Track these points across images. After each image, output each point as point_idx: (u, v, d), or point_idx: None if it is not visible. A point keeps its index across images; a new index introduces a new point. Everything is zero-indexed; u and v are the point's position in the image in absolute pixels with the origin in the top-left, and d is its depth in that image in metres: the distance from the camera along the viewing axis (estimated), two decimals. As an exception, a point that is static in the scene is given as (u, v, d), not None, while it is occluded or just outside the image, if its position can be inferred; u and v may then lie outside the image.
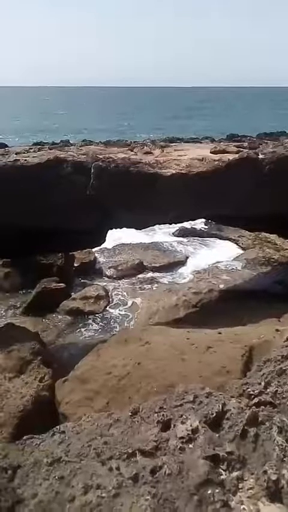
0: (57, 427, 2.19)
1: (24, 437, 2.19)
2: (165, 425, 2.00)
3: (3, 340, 6.85)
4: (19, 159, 8.06)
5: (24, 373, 6.37)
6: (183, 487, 1.75)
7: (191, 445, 1.89)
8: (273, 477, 1.75)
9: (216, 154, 8.69)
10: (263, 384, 2.26)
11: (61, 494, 1.75)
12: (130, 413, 2.16)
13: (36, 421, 5.43)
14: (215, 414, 2.02)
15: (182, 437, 1.90)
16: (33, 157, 8.29)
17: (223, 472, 1.79)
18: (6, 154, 8.58)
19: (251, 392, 2.18)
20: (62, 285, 10.76)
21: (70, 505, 1.71)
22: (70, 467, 1.88)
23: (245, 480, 1.79)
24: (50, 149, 9.27)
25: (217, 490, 1.73)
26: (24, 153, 8.81)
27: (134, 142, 10.61)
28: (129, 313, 10.36)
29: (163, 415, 2.05)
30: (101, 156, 8.16)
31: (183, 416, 2.01)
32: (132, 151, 9.10)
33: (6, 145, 10.13)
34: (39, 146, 10.00)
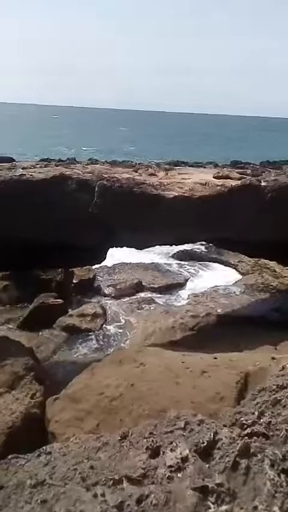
0: (44, 447, 2.13)
1: (9, 457, 2.13)
2: (154, 452, 1.94)
3: (-3, 354, 6.77)
4: (25, 174, 8.16)
5: (16, 389, 6.26)
6: (169, 519, 1.69)
7: (179, 475, 1.83)
8: (263, 513, 1.69)
9: (219, 179, 8.79)
10: (256, 413, 2.20)
11: (42, 520, 1.69)
12: (119, 438, 2.10)
13: (24, 438, 5.30)
14: (206, 443, 1.96)
15: (170, 466, 1.84)
16: (39, 172, 8.39)
17: (212, 505, 1.73)
18: (13, 169, 8.69)
19: (244, 422, 2.13)
20: (60, 300, 10.70)
21: (51, 532, 1.64)
22: (54, 491, 1.82)
23: (234, 515, 1.72)
24: (56, 166, 9.39)
25: (204, 524, 1.67)
26: (30, 168, 8.93)
27: (139, 163, 10.76)
28: (125, 333, 10.26)
29: (153, 441, 1.99)
30: (105, 175, 8.26)
31: (173, 444, 1.95)
32: (136, 172, 9.22)
33: (13, 160, 10.27)
34: (46, 162, 10.14)
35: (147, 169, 9.46)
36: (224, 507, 1.73)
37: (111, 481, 1.81)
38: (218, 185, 8.36)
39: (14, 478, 1.97)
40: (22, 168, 8.73)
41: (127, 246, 9.56)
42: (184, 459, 1.87)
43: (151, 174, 9.03)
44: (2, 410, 5.76)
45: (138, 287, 12.63)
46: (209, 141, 70.09)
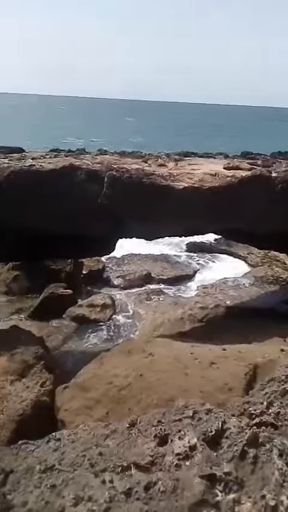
0: (53, 434, 2.16)
1: (20, 442, 2.16)
2: (163, 440, 1.95)
3: (8, 343, 6.85)
4: (35, 164, 8.15)
5: (26, 377, 6.34)
6: (176, 506, 1.70)
7: (187, 463, 1.84)
8: (272, 503, 1.69)
9: (229, 170, 8.69)
10: (265, 403, 2.20)
11: (51, 504, 1.71)
12: (128, 425, 2.11)
13: (34, 426, 5.38)
14: (214, 432, 1.96)
15: (178, 454, 1.85)
16: (49, 163, 8.38)
17: (219, 493, 1.73)
18: (23, 159, 8.69)
19: (253, 412, 2.13)
20: (70, 291, 10.76)
21: (60, 516, 1.67)
22: (62, 477, 1.84)
23: (242, 504, 1.73)
24: (66, 156, 9.37)
25: (212, 512, 1.68)
26: (40, 158, 8.91)
27: (149, 154, 10.68)
28: (134, 324, 10.30)
29: (161, 429, 2.00)
30: (115, 166, 8.22)
31: (181, 432, 1.96)
32: (146, 162, 9.15)
33: (23, 150, 10.27)
34: (56, 153, 10.11)
35: (157, 160, 9.39)
36: (231, 495, 1.74)
37: (120, 468, 1.83)
38: (228, 176, 8.27)
39: (23, 463, 2.00)
40: (32, 159, 8.72)
41: (136, 237, 9.54)
42: (192, 447, 1.88)
43: (161, 165, 8.96)
44: (13, 397, 5.85)
45: (147, 278, 12.63)
46: (220, 131, 69.32)
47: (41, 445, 2.12)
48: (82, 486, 1.79)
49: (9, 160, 8.39)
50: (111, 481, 1.80)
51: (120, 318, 10.54)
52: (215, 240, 15.69)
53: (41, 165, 8.15)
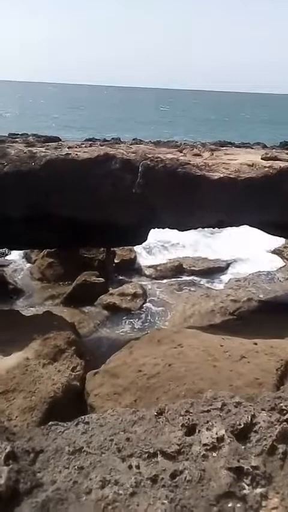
0: (82, 417, 2.20)
1: (50, 423, 2.22)
2: (190, 430, 1.95)
3: (41, 327, 7.05)
4: (70, 153, 8.24)
5: (58, 361, 6.50)
6: (202, 496, 1.69)
7: (214, 454, 1.82)
8: (300, 500, 1.66)
9: (267, 160, 8.44)
10: (297, 400, 2.14)
11: (78, 485, 1.76)
12: (155, 413, 2.12)
13: (64, 409, 5.53)
14: (242, 425, 1.94)
15: (206, 444, 1.84)
16: (84, 152, 8.45)
17: (246, 487, 1.71)
18: (59, 148, 8.80)
19: (284, 408, 2.08)
20: (102, 279, 10.89)
21: (86, 497, 1.70)
22: (90, 459, 1.88)
23: (269, 498, 1.70)
24: (101, 145, 9.41)
25: (238, 505, 1.66)
26: (76, 147, 9.00)
27: (184, 143, 10.54)
28: (164, 314, 10.32)
29: (189, 419, 2.00)
30: (149, 155, 8.17)
31: (209, 423, 1.95)
32: (181, 152, 9.03)
33: (59, 139, 10.40)
34: (91, 142, 10.18)
35: (192, 150, 9.24)
36: (259, 490, 1.71)
37: (146, 454, 1.84)
38: (265, 167, 8.03)
39: (53, 443, 2.05)
40: (68, 148, 8.82)
41: (169, 228, 9.47)
42: (220, 439, 1.86)
43: (196, 155, 8.82)
44: (45, 380, 6.02)
45: (179, 269, 12.57)
46: (258, 120, 67.33)
47: (70, 427, 2.17)
48: (109, 470, 1.82)
49: (45, 149, 8.53)
50: (137, 467, 1.82)
51: (150, 308, 10.58)
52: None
53: (76, 154, 8.23)
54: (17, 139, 9.30)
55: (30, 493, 1.71)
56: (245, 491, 1.69)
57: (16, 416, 5.46)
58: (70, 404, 5.80)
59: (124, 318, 10.09)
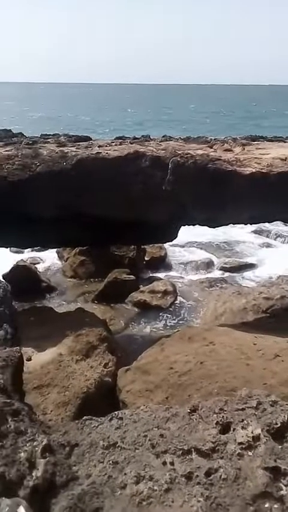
0: (116, 412, 2.22)
1: (84, 418, 2.25)
2: (225, 428, 1.92)
3: (73, 324, 7.17)
4: (101, 152, 8.32)
5: (90, 357, 6.59)
6: (238, 495, 1.67)
7: (250, 453, 1.79)
8: None
9: (301, 153, 8.19)
10: None
11: (113, 480, 1.77)
12: (189, 410, 2.11)
13: (97, 404, 5.61)
14: (279, 424, 1.89)
15: (241, 443, 1.81)
16: (115, 150, 8.50)
17: (284, 487, 1.67)
18: (90, 147, 8.90)
19: None
20: (132, 277, 10.95)
21: (121, 492, 1.72)
22: (125, 454, 1.89)
23: (308, 501, 1.65)
24: (131, 143, 9.43)
25: (276, 506, 1.62)
26: (106, 146, 9.07)
27: (214, 139, 10.39)
28: (195, 312, 10.25)
29: (223, 416, 1.97)
30: (179, 152, 8.12)
31: (245, 422, 1.91)
32: (211, 148, 8.91)
33: (90, 138, 10.51)
34: (121, 140, 10.22)
35: (223, 145, 9.09)
36: (297, 491, 1.67)
37: (181, 451, 1.84)
38: (299, 160, 7.79)
39: (88, 438, 2.08)
40: (98, 146, 8.90)
41: (199, 224, 9.39)
42: (256, 438, 1.83)
43: (227, 150, 8.67)
44: (78, 376, 6.12)
45: (210, 266, 12.46)
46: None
47: (104, 422, 2.19)
48: (143, 465, 1.82)
49: (76, 148, 8.64)
50: (172, 463, 1.81)
51: (181, 305, 10.54)
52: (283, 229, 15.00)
53: (107, 153, 8.29)
54: (48, 140, 9.46)
55: (67, 486, 1.74)
56: (282, 492, 1.65)
57: (51, 411, 5.59)
58: (102, 400, 5.87)
59: (154, 315, 10.10)
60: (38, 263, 12.63)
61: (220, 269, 12.46)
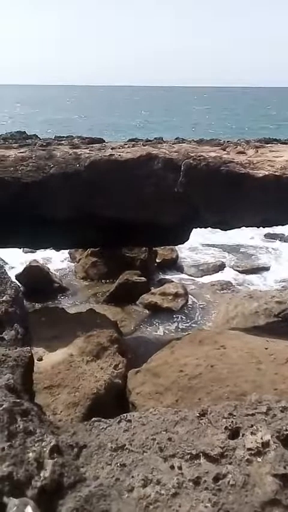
0: (124, 415, 2.21)
1: (93, 419, 2.25)
2: (234, 433, 1.90)
3: (85, 325, 7.20)
4: (114, 154, 8.35)
5: (101, 359, 6.61)
6: (246, 502, 1.65)
7: (259, 459, 1.77)
8: None
9: (316, 156, 8.09)
10: None
11: (121, 482, 1.77)
12: (198, 414, 2.09)
13: (107, 406, 5.62)
14: (289, 431, 1.87)
15: (250, 449, 1.79)
16: (127, 152, 8.52)
17: (293, 495, 1.65)
18: (103, 149, 8.94)
19: None
20: (143, 278, 10.95)
21: (128, 495, 1.71)
22: (132, 457, 1.88)
23: None
24: (144, 145, 9.44)
25: (285, 513, 1.60)
26: (119, 148, 9.10)
27: (227, 141, 10.34)
28: (206, 315, 10.19)
29: (232, 421, 1.95)
30: (192, 154, 8.11)
31: (254, 427, 1.89)
32: (224, 150, 8.87)
33: (103, 140, 10.56)
34: (134, 142, 10.25)
35: (236, 147, 9.05)
36: (307, 499, 1.64)
37: (189, 455, 1.82)
38: (314, 163, 7.71)
39: (96, 439, 2.08)
40: (111, 148, 8.94)
41: (211, 227, 9.35)
42: (265, 444, 1.81)
43: (240, 152, 8.63)
44: (88, 377, 6.14)
45: (221, 269, 12.39)
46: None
47: (112, 424, 2.18)
48: (151, 469, 1.82)
49: (89, 150, 8.69)
50: (179, 467, 1.80)
51: (192, 308, 10.49)
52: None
53: (119, 155, 8.32)
54: (62, 142, 9.54)
55: (74, 487, 1.74)
56: (292, 500, 1.63)
57: (61, 411, 5.61)
58: (112, 401, 5.88)
59: (165, 317, 10.08)
60: (51, 264, 12.74)
61: (232, 272, 12.38)
